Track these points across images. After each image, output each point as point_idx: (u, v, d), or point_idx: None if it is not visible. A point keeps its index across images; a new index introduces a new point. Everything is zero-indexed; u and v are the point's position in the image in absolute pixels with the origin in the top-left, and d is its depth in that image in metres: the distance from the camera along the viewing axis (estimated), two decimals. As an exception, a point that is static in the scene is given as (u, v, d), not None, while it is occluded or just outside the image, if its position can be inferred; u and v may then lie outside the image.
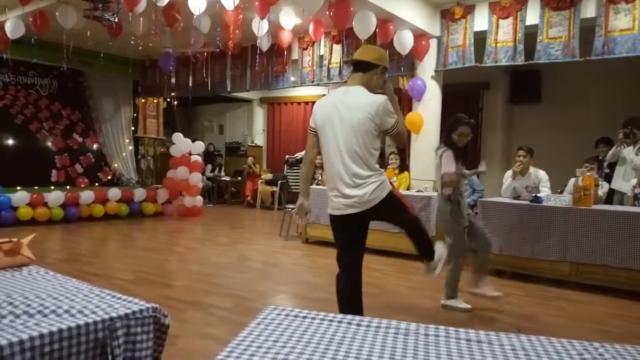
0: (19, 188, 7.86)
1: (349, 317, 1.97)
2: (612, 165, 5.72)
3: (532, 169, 5.51)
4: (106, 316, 1.80)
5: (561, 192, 5.62)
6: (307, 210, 3.05)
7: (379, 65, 2.86)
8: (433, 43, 6.87)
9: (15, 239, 2.50)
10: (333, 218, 2.89)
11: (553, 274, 4.78)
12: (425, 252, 3.22)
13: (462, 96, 9.25)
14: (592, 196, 4.71)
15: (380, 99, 2.72)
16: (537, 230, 4.82)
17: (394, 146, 9.84)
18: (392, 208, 2.87)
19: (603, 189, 5.42)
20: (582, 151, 6.50)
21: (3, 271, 2.39)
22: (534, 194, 5.07)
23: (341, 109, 2.74)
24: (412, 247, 3.30)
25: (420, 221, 3.12)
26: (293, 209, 7.15)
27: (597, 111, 8.11)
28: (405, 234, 3.12)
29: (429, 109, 7.02)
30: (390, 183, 2.96)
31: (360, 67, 2.85)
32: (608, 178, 5.68)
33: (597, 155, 6.06)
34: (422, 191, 6.27)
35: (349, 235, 2.91)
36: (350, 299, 2.97)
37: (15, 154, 9.12)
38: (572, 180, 5.29)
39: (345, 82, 9.45)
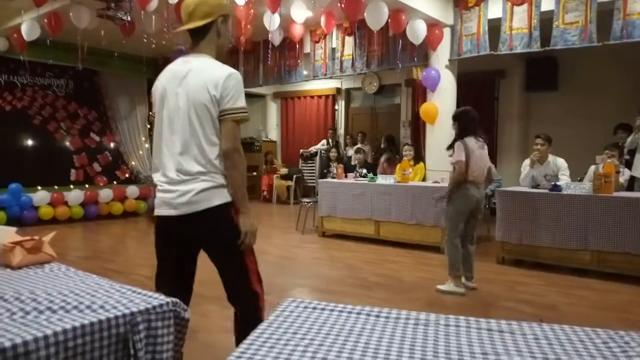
0: (39, 188, 8.00)
1: (368, 308, 1.96)
2: (633, 152, 5.61)
3: (550, 157, 5.43)
4: (127, 311, 1.82)
5: (581, 179, 5.53)
6: None
7: (215, 19, 2.23)
8: (446, 32, 6.79)
9: (37, 237, 2.54)
10: (160, 220, 2.28)
11: (574, 262, 4.71)
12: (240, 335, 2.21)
13: (478, 85, 9.13)
14: (613, 183, 4.63)
15: (225, 71, 2.12)
16: (557, 218, 4.75)
17: (408, 137, 9.79)
18: (224, 241, 2.19)
19: (624, 175, 5.32)
20: (601, 138, 6.38)
21: (26, 268, 2.44)
22: (553, 182, 5.00)
23: (182, 80, 2.15)
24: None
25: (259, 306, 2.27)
26: (309, 203, 7.20)
27: (616, 97, 7.95)
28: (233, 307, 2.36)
29: (443, 99, 6.94)
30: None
31: (195, 35, 2.27)
32: (628, 165, 5.58)
33: (617, 141, 5.95)
34: (438, 182, 6.22)
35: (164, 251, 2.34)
36: None
37: (34, 154, 9.26)
38: (592, 167, 5.20)
39: (363, 74, 9.44)
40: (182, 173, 2.12)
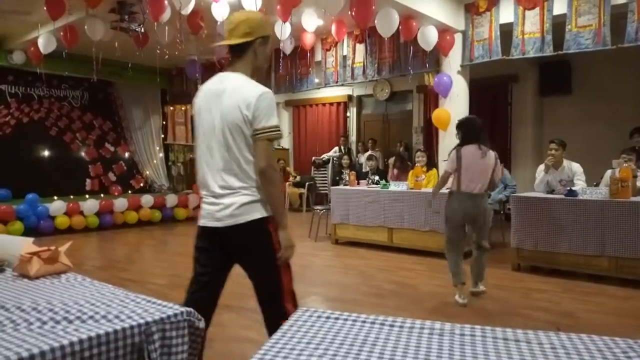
0: (55, 198, 8.11)
1: (382, 317, 1.95)
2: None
3: (565, 162, 5.36)
4: (142, 321, 1.83)
5: (597, 184, 5.46)
6: None
7: (254, 39, 2.24)
8: (458, 37, 6.77)
9: (53, 248, 2.58)
10: (201, 230, 2.32)
11: (591, 269, 4.64)
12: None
13: (490, 90, 9.08)
14: (631, 188, 4.56)
15: (259, 90, 2.19)
16: (573, 224, 4.69)
17: (420, 143, 9.76)
18: (261, 254, 2.24)
19: (642, 180, 5.24)
20: (616, 142, 6.30)
21: (43, 278, 2.47)
22: (568, 188, 4.94)
23: (209, 100, 2.23)
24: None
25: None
26: (322, 210, 7.19)
27: (632, 100, 7.85)
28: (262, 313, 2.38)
29: (456, 105, 6.92)
30: None
31: (233, 52, 2.29)
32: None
33: (634, 145, 5.88)
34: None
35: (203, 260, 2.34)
36: None
37: (51, 165, 9.41)
38: (609, 172, 5.13)
39: (374, 81, 9.45)
40: (225, 188, 2.18)
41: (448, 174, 4.14)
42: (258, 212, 2.18)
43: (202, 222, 2.28)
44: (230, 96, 2.16)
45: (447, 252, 4.20)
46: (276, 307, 2.29)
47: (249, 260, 2.28)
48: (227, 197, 2.17)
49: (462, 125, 4.26)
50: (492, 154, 4.07)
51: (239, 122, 2.12)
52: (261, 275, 2.29)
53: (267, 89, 2.22)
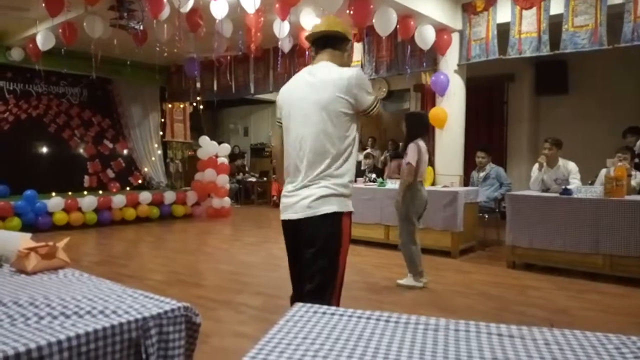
0: (53, 194, 8.11)
1: (378, 313, 1.97)
2: (642, 155, 5.58)
3: (561, 161, 5.39)
4: (139, 316, 1.85)
5: (592, 183, 5.49)
6: None
7: (350, 40, 2.38)
8: (455, 37, 6.79)
9: (51, 243, 2.59)
10: (284, 224, 2.33)
11: (585, 266, 4.67)
12: None
13: (487, 89, 9.11)
14: (625, 186, 4.59)
15: (352, 71, 2.21)
16: (568, 222, 4.72)
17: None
18: (326, 245, 2.19)
19: (636, 179, 5.27)
20: (611, 141, 6.34)
21: (41, 274, 2.48)
22: (563, 186, 4.96)
23: (305, 90, 2.25)
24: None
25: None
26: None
27: (627, 100, 7.88)
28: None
29: (452, 104, 6.94)
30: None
31: (330, 41, 2.31)
32: (639, 168, 5.53)
33: (628, 145, 5.91)
34: (447, 186, 6.20)
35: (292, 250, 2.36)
36: None
37: (49, 161, 9.41)
38: (604, 170, 5.16)
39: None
40: (307, 180, 2.19)
41: (414, 167, 4.22)
42: (334, 206, 2.17)
43: (283, 215, 2.30)
44: (324, 79, 2.22)
45: (413, 245, 4.33)
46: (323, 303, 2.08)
47: (314, 249, 2.21)
48: (306, 189, 2.19)
49: (410, 119, 4.45)
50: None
51: (341, 108, 2.18)
52: (319, 266, 2.22)
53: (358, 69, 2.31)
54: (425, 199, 4.34)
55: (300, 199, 2.19)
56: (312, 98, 2.19)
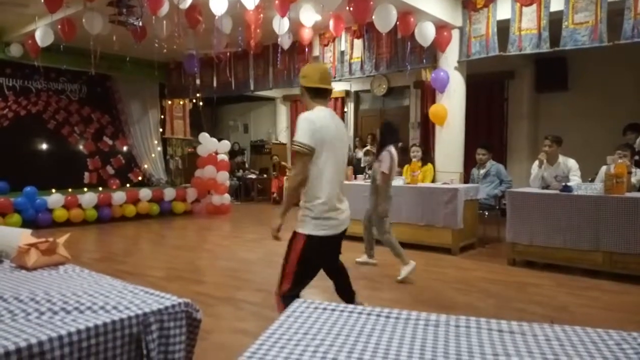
0: (54, 191, 8.11)
1: (378, 309, 1.97)
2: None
3: (561, 158, 5.39)
4: (140, 312, 1.85)
5: (592, 180, 5.49)
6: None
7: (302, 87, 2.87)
8: (455, 34, 6.78)
9: (51, 239, 2.59)
10: (330, 239, 2.74)
11: (585, 263, 4.68)
12: (349, 286, 3.24)
13: (487, 86, 9.10)
14: (625, 184, 4.59)
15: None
16: (568, 219, 4.72)
17: (417, 139, 9.78)
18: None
19: (636, 176, 5.26)
20: (612, 138, 6.33)
21: (41, 270, 2.48)
22: (563, 183, 4.96)
23: (339, 133, 2.81)
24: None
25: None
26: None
27: (627, 97, 7.87)
28: (338, 278, 3.18)
29: (452, 101, 6.93)
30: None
31: (328, 93, 2.89)
32: (639, 165, 5.52)
33: (628, 142, 5.90)
34: (447, 183, 6.20)
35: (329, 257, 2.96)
36: None
37: (49, 158, 9.39)
38: (604, 167, 5.15)
39: (372, 76, 9.45)
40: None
41: (388, 175, 4.67)
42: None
43: (339, 230, 2.82)
44: (343, 127, 2.92)
45: (391, 238, 4.76)
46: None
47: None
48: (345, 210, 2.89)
49: (387, 127, 4.91)
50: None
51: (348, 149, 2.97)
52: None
53: None
54: (392, 196, 4.83)
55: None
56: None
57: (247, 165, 13.03)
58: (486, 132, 9.17)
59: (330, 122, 2.72)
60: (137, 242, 7.08)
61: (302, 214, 2.71)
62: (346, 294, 3.18)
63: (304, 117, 2.64)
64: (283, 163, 11.89)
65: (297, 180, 2.68)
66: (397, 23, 6.18)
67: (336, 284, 3.16)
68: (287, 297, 2.62)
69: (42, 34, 6.88)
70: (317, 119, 2.64)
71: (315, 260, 2.76)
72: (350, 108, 11.78)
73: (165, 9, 5.64)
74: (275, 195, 11.67)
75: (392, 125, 4.97)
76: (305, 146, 2.58)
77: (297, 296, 2.66)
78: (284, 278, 2.72)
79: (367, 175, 7.04)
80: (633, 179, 5.04)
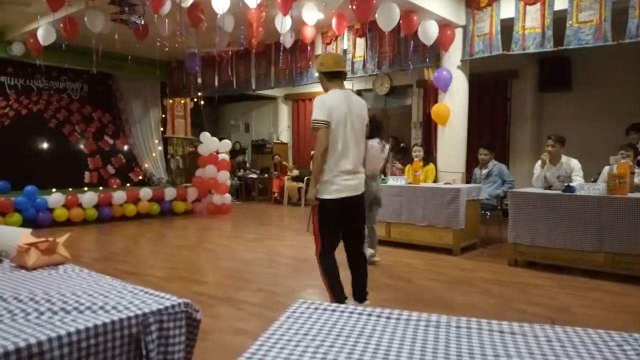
0: (54, 190, 8.11)
1: (378, 309, 1.96)
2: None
3: (564, 158, 5.37)
4: (139, 312, 1.84)
5: (595, 180, 5.47)
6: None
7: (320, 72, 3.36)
8: (458, 32, 6.75)
9: (51, 239, 2.58)
10: (337, 201, 3.20)
11: (587, 264, 4.66)
12: (363, 286, 3.52)
13: (490, 85, 9.07)
14: (628, 184, 4.57)
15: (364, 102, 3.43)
16: (570, 220, 4.70)
17: (419, 138, 9.77)
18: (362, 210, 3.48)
19: (639, 176, 5.24)
20: (615, 138, 6.30)
21: (41, 269, 2.48)
22: (566, 184, 4.94)
23: (354, 109, 3.24)
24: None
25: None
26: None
27: (632, 97, 7.84)
28: (351, 253, 3.48)
29: (455, 100, 6.91)
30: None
31: (343, 75, 3.39)
32: (640, 165, 5.51)
33: (631, 142, 5.88)
34: (449, 183, 6.18)
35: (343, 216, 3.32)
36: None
37: (49, 157, 9.39)
38: (606, 168, 5.13)
39: (374, 75, 9.43)
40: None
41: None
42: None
43: (354, 192, 3.29)
44: (361, 104, 3.38)
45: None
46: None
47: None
48: (359, 175, 3.37)
49: (373, 122, 4.93)
50: (386, 148, 5.06)
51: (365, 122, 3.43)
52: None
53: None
54: (371, 189, 4.85)
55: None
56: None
57: (248, 165, 13.02)
58: (489, 132, 9.15)
59: (343, 102, 3.18)
60: (138, 241, 7.08)
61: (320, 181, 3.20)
62: (357, 290, 3.48)
63: (316, 100, 3.18)
64: (284, 163, 11.89)
65: (321, 150, 3.15)
66: (400, 22, 6.16)
67: (353, 276, 3.50)
68: (322, 255, 3.28)
69: (44, 32, 6.87)
70: (327, 100, 3.16)
71: (330, 219, 3.23)
72: (352, 107, 11.74)
73: (167, 7, 5.64)
74: (276, 194, 11.66)
75: (376, 120, 5.02)
76: (321, 121, 3.11)
77: (331, 253, 3.29)
78: (316, 240, 3.29)
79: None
80: (636, 180, 5.02)
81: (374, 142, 4.86)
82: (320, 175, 3.19)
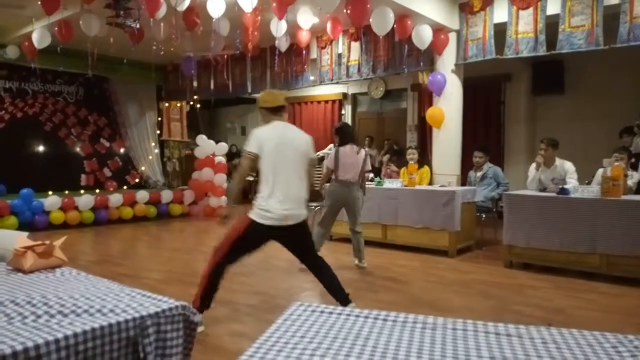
0: (50, 193, 8.08)
1: (375, 311, 1.97)
2: (638, 155, 5.60)
3: (558, 161, 5.41)
4: (137, 314, 1.84)
5: (589, 183, 5.51)
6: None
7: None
8: (452, 37, 6.80)
9: (48, 242, 2.58)
10: (266, 227, 3.24)
11: (582, 266, 4.69)
12: (340, 293, 3.54)
13: (484, 89, 9.12)
14: (622, 186, 4.60)
15: (308, 136, 3.51)
16: (565, 222, 4.73)
17: (414, 141, 9.80)
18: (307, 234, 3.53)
19: (633, 179, 5.29)
20: (608, 141, 6.36)
21: (38, 273, 2.47)
22: (560, 186, 4.98)
23: (292, 141, 3.36)
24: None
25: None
26: (317, 207, 7.20)
27: (624, 100, 7.90)
28: (315, 269, 3.60)
29: (449, 104, 6.94)
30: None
31: (283, 109, 3.50)
32: (635, 168, 5.55)
33: (624, 145, 5.93)
34: (445, 186, 6.21)
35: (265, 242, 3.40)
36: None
37: (45, 160, 9.35)
38: (600, 170, 5.17)
39: (369, 79, 9.44)
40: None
41: (330, 170, 5.07)
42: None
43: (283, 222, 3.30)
44: (299, 136, 3.46)
45: (319, 227, 5.13)
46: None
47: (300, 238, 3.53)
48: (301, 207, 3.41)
49: (339, 131, 5.23)
50: (362, 152, 5.12)
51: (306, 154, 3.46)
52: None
53: None
54: (342, 195, 5.02)
55: None
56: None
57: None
58: (483, 135, 9.19)
59: (279, 133, 3.32)
60: (134, 244, 7.06)
61: (254, 203, 3.31)
62: (337, 294, 3.51)
63: (253, 132, 3.35)
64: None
65: (237, 177, 3.50)
66: (395, 26, 6.19)
67: (323, 283, 3.58)
68: (220, 264, 3.29)
69: (39, 35, 6.86)
70: (261, 132, 3.32)
71: (251, 241, 3.32)
72: (347, 111, 11.79)
73: (162, 11, 5.64)
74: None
75: (343, 128, 5.30)
76: (248, 152, 3.27)
77: (227, 265, 3.32)
78: (221, 248, 3.31)
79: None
80: (629, 182, 5.07)
81: (346, 148, 5.02)
82: (236, 197, 3.58)
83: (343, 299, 3.48)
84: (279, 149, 3.27)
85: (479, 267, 5.25)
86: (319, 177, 10.09)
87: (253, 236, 3.29)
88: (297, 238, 3.44)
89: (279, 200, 3.23)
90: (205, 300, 3.25)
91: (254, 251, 3.41)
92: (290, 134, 3.40)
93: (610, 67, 7.77)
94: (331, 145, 11.07)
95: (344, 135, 5.16)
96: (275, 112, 3.43)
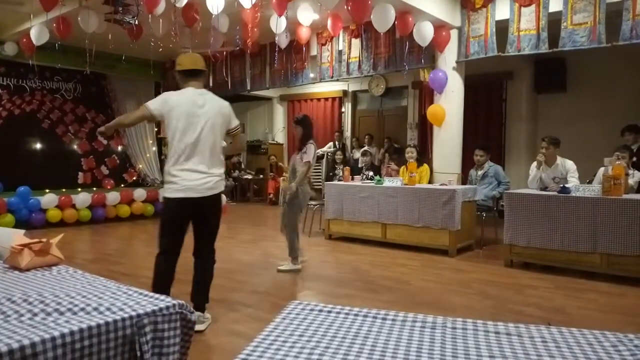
0: (47, 191, 8.05)
1: (374, 310, 1.95)
2: (639, 154, 5.58)
3: (559, 160, 5.39)
4: (134, 313, 1.82)
5: (590, 182, 5.49)
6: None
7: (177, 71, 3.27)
8: (454, 34, 6.77)
9: (44, 240, 2.56)
10: (177, 201, 3.09)
11: (583, 265, 4.67)
12: (200, 299, 3.28)
13: (485, 87, 9.10)
14: (623, 185, 4.58)
15: (227, 103, 3.27)
16: (566, 221, 4.71)
17: (415, 139, 9.78)
18: (217, 211, 3.35)
19: (634, 177, 5.27)
20: (610, 140, 6.33)
21: (34, 270, 2.45)
22: (561, 185, 4.96)
23: (207, 110, 3.12)
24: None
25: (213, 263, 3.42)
26: (315, 205, 7.19)
27: (626, 98, 7.89)
28: (197, 261, 3.37)
29: (451, 101, 6.92)
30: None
31: (200, 74, 3.27)
32: (637, 167, 5.53)
33: (627, 143, 5.91)
34: (445, 184, 6.19)
35: (187, 219, 3.21)
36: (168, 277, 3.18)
37: (43, 157, 9.33)
38: (602, 169, 5.15)
39: (370, 76, 9.42)
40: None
41: (312, 165, 4.90)
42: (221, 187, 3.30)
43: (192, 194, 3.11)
44: (214, 102, 3.21)
45: (295, 232, 4.92)
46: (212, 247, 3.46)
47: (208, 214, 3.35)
48: (210, 176, 3.20)
49: (303, 122, 5.05)
50: (310, 150, 4.92)
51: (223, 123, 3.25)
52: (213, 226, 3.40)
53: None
54: (310, 193, 5.07)
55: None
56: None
57: (243, 166, 12.99)
58: (484, 133, 9.18)
59: (190, 101, 3.07)
60: (132, 242, 7.04)
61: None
62: (197, 295, 3.29)
63: (163, 94, 3.18)
64: (280, 163, 11.86)
65: (124, 118, 3.45)
66: (396, 23, 6.17)
67: (194, 279, 3.34)
68: (158, 256, 3.13)
69: (37, 32, 6.83)
70: (172, 94, 3.12)
71: (170, 219, 3.16)
72: (347, 108, 11.77)
73: (161, 7, 5.62)
74: (271, 196, 11.64)
75: (309, 120, 5.15)
76: (148, 108, 3.07)
77: (169, 256, 3.13)
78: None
79: (364, 176, 7.04)
80: (630, 181, 5.04)
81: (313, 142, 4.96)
82: (114, 127, 3.35)
83: (201, 304, 3.27)
84: (189, 117, 3.04)
85: (479, 267, 5.23)
86: (317, 174, 10.08)
87: (171, 215, 3.13)
88: (204, 217, 3.24)
89: (191, 169, 3.06)
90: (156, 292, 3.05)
91: (179, 232, 3.16)
92: (209, 101, 3.15)
93: (613, 65, 7.75)
94: (331, 144, 11.09)
95: (310, 127, 5.07)
96: (191, 75, 3.20)
